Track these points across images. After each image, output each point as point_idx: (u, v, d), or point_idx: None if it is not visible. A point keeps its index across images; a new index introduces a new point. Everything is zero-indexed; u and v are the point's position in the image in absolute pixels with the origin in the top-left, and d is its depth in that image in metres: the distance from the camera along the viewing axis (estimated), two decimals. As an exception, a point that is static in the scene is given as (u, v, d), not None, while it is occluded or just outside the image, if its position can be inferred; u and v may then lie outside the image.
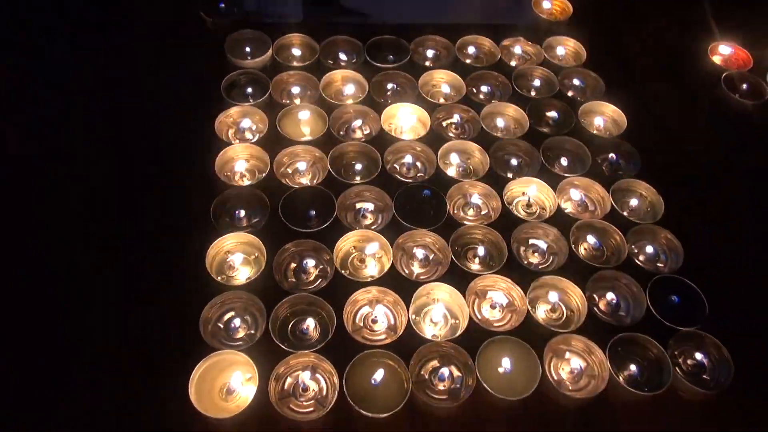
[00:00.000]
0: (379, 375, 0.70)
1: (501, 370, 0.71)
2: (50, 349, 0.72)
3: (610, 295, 0.79)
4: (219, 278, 0.76)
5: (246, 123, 0.92)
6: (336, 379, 0.69)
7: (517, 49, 1.07)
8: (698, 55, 1.11)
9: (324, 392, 0.70)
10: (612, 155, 0.94)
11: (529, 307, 0.76)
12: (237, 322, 0.74)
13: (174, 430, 0.67)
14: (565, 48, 1.08)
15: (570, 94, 1.01)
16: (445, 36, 1.07)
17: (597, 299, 0.80)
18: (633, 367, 0.73)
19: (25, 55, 1.01)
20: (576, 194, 0.89)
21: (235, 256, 0.79)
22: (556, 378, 0.73)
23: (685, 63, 1.11)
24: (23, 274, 0.77)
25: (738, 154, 0.99)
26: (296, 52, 1.02)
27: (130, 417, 0.68)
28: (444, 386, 0.71)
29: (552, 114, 0.98)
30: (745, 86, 1.05)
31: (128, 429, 0.67)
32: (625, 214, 0.87)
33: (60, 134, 0.92)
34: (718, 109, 1.04)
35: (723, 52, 1.10)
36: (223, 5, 1.08)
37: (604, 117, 0.99)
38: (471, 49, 1.06)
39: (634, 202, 0.89)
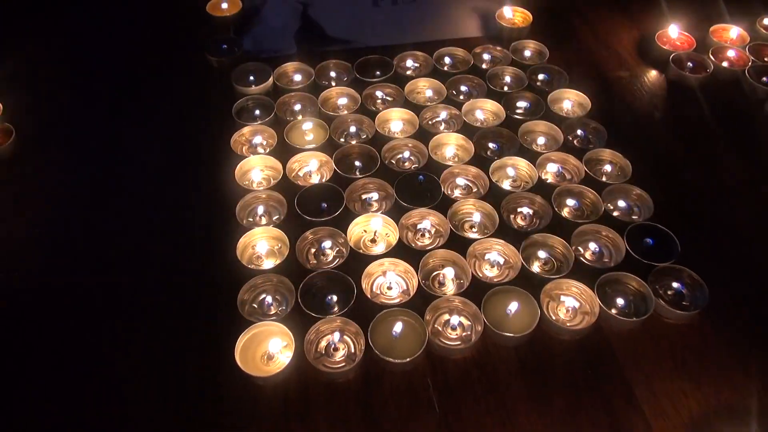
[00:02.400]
0: (398, 327, 0.79)
1: (507, 311, 0.81)
2: (116, 324, 0.82)
3: (593, 245, 0.90)
4: (250, 267, 0.87)
5: (257, 139, 1.05)
6: (361, 338, 0.79)
7: (487, 55, 1.21)
8: (648, 42, 1.25)
9: (352, 349, 0.80)
10: (581, 131, 1.06)
11: (523, 262, 0.86)
12: (269, 299, 0.84)
13: (228, 393, 0.76)
14: (529, 49, 1.22)
15: (538, 85, 1.15)
16: (423, 51, 1.21)
17: (582, 251, 0.90)
18: (620, 301, 0.83)
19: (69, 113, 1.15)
20: (553, 167, 1.00)
21: (261, 247, 0.90)
22: (554, 318, 0.83)
23: (638, 50, 1.25)
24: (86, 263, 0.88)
25: (689, 118, 1.12)
26: (294, 77, 1.16)
27: (188, 386, 0.77)
28: (456, 334, 0.81)
29: (524, 104, 1.10)
30: (690, 64, 1.18)
31: (188, 396, 0.76)
32: (598, 178, 0.98)
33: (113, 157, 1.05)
34: (670, 85, 1.17)
35: (670, 35, 1.24)
36: (225, 46, 1.22)
37: (571, 101, 1.12)
38: (447, 59, 1.20)
39: (605, 167, 1.00)
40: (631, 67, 1.22)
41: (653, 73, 1.20)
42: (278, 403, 0.75)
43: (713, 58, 1.19)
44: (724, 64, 1.19)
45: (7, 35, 1.29)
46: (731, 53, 1.20)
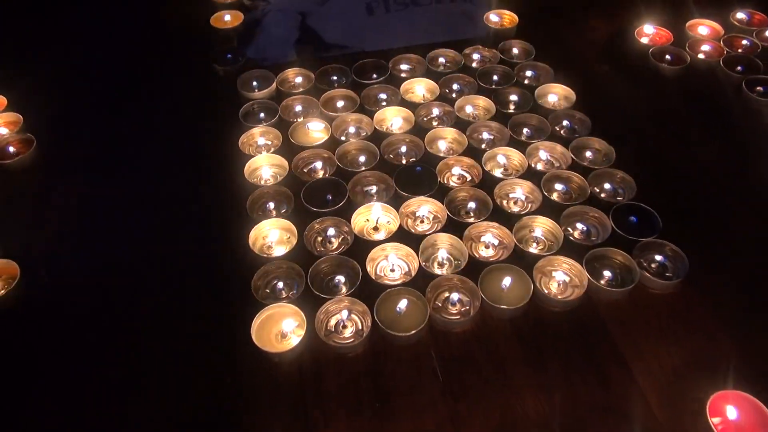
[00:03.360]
0: (402, 304, 0.85)
1: (502, 285, 0.87)
2: (143, 313, 0.89)
3: (581, 225, 0.96)
4: (262, 255, 0.93)
5: (262, 140, 1.12)
6: (368, 316, 0.85)
7: (477, 55, 1.28)
8: (628, 38, 1.32)
9: (360, 326, 0.86)
10: (566, 122, 1.13)
11: (516, 242, 0.93)
12: (281, 284, 0.90)
13: (246, 368, 0.82)
14: (517, 49, 1.30)
15: (526, 82, 1.22)
16: (416, 54, 1.28)
17: (571, 231, 0.96)
18: (607, 274, 0.90)
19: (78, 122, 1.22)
20: (543, 154, 1.07)
21: (271, 237, 0.96)
22: (546, 291, 0.89)
23: (618, 45, 1.33)
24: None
25: (668, 106, 1.19)
26: (295, 81, 1.23)
27: (210, 366, 0.83)
28: (456, 309, 0.87)
29: (513, 98, 1.17)
30: (668, 57, 1.25)
31: (211, 374, 0.82)
32: (584, 163, 1.05)
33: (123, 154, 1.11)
34: (648, 77, 1.25)
35: (648, 31, 1.32)
36: (230, 56, 1.30)
37: (557, 95, 1.19)
38: (440, 59, 1.27)
39: (589, 154, 1.07)
40: (613, 60, 1.29)
41: (634, 66, 1.27)
42: (294, 377, 0.81)
43: (690, 51, 1.26)
44: (701, 56, 1.26)
45: (24, 47, 1.37)
46: (706, 47, 1.27)
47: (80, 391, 0.81)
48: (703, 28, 1.33)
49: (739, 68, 1.22)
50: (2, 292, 0.90)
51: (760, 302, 0.88)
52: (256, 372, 0.82)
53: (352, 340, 0.84)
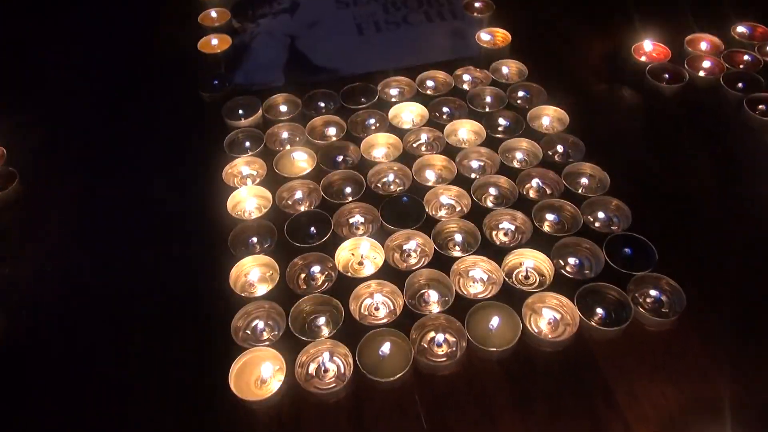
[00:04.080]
0: (386, 347, 0.82)
1: (489, 326, 0.83)
2: (117, 361, 0.86)
3: (573, 259, 0.93)
4: (242, 294, 0.91)
5: (246, 170, 1.09)
6: (350, 359, 0.82)
7: (467, 77, 1.25)
8: (624, 56, 1.28)
9: (342, 370, 0.83)
10: (560, 146, 1.10)
11: (505, 277, 0.89)
12: (261, 325, 0.87)
13: (224, 418, 0.79)
14: (509, 68, 1.26)
15: (518, 103, 1.18)
16: (406, 76, 1.25)
17: (563, 263, 0.93)
18: (600, 311, 0.86)
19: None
20: (534, 182, 1.04)
21: (253, 275, 0.93)
22: (536, 330, 0.85)
23: (614, 64, 1.29)
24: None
25: (666, 128, 1.15)
26: (282, 108, 1.20)
27: (185, 414, 0.80)
28: (442, 351, 0.84)
29: (504, 122, 1.14)
30: (667, 75, 1.21)
31: (186, 423, 0.80)
32: (577, 191, 1.01)
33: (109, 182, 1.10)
34: (646, 96, 1.21)
35: (646, 49, 1.28)
36: (216, 82, 1.28)
37: (550, 117, 1.15)
38: (429, 83, 1.24)
39: (584, 180, 1.03)
40: (608, 80, 1.25)
41: (630, 86, 1.23)
42: (273, 426, 0.78)
43: (689, 68, 1.22)
44: (701, 73, 1.22)
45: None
46: (706, 63, 1.23)
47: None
48: (704, 43, 1.28)
49: (740, 85, 1.17)
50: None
51: (757, 340, 0.84)
52: (234, 421, 0.79)
53: (333, 385, 0.81)
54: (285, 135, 1.16)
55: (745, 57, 1.24)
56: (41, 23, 1.46)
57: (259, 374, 0.82)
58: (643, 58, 1.26)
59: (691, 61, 1.24)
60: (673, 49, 1.27)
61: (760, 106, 1.13)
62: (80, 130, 1.24)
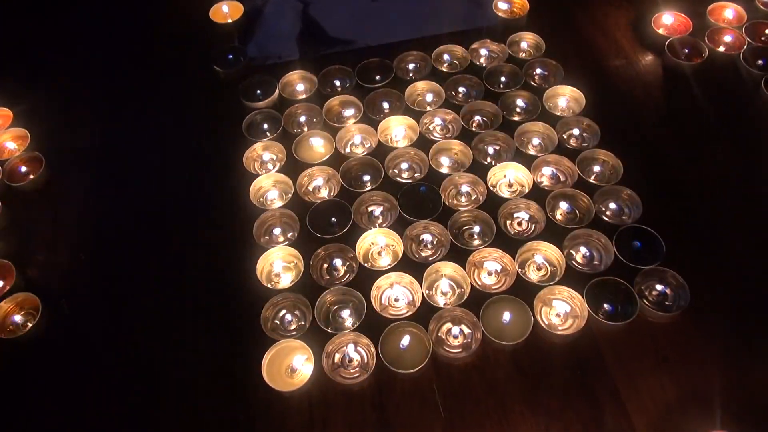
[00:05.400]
0: (405, 340, 0.89)
1: (502, 321, 0.89)
2: (152, 360, 0.93)
3: (584, 249, 0.97)
4: (269, 285, 0.96)
5: (267, 156, 1.11)
6: (373, 349, 0.88)
7: (484, 51, 1.24)
8: (644, 27, 1.26)
9: (365, 360, 0.89)
10: (576, 130, 1.10)
11: (519, 270, 0.94)
12: (289, 317, 0.93)
13: (258, 406, 0.87)
14: (527, 42, 1.25)
15: (536, 80, 1.18)
16: (422, 49, 1.24)
17: (574, 254, 0.97)
18: (608, 304, 0.91)
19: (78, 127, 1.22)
20: (548, 170, 1.06)
21: (277, 265, 0.98)
22: (547, 323, 0.91)
23: (634, 37, 1.27)
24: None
25: (682, 110, 1.14)
26: (299, 87, 1.20)
27: (223, 402, 0.88)
28: (458, 342, 0.90)
29: (521, 103, 1.14)
30: (686, 50, 1.19)
31: (224, 411, 0.88)
32: (591, 179, 1.04)
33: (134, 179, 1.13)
34: (664, 73, 1.20)
35: (666, 21, 1.25)
36: (231, 56, 1.27)
37: (567, 98, 1.15)
38: (445, 57, 1.23)
39: (597, 168, 1.05)
40: (627, 54, 1.24)
41: (648, 61, 1.22)
42: (303, 412, 0.86)
43: (709, 42, 1.20)
44: (721, 48, 1.20)
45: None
46: (728, 37, 1.20)
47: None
48: (727, 11, 1.25)
49: (760, 62, 1.16)
50: (29, 324, 0.94)
51: (755, 339, 0.89)
52: (267, 408, 0.86)
53: (357, 374, 0.88)
54: (303, 119, 1.17)
55: (767, 30, 1.21)
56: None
57: (290, 364, 0.89)
58: (661, 31, 1.23)
59: (711, 34, 1.21)
60: (695, 21, 1.24)
61: (779, 87, 1.12)
62: (100, 111, 1.25)
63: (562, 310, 0.91)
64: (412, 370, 0.86)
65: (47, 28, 1.40)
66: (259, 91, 1.20)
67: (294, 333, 0.92)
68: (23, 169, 1.12)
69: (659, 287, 0.92)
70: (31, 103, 1.23)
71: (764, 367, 0.85)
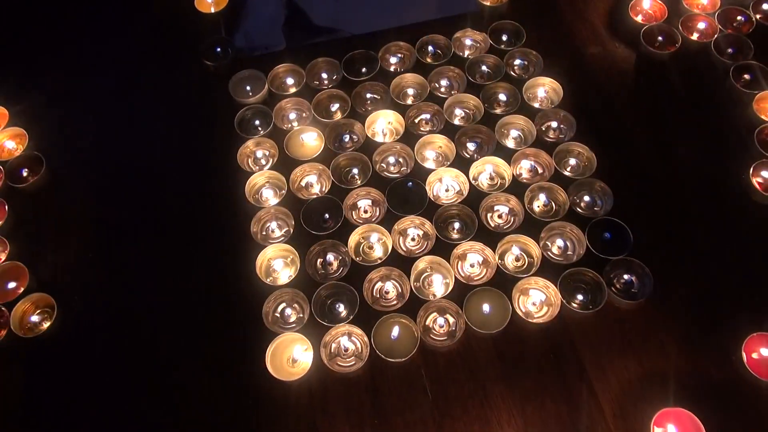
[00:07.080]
0: (395, 332, 0.97)
1: (483, 311, 0.98)
2: (161, 357, 1.01)
3: (560, 241, 1.05)
4: (268, 280, 1.03)
5: (260, 152, 1.16)
6: (366, 339, 0.97)
7: (468, 41, 1.27)
8: (621, 13, 1.29)
9: (360, 349, 0.98)
10: (554, 122, 1.16)
11: (498, 262, 1.02)
12: (288, 311, 1.01)
13: (262, 396, 0.96)
14: (507, 31, 1.28)
15: (516, 71, 1.23)
16: (406, 38, 1.27)
17: (550, 246, 1.05)
18: (580, 292, 1.00)
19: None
20: (527, 163, 1.12)
21: (275, 261, 1.05)
22: (524, 311, 0.99)
23: (611, 22, 1.30)
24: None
25: (656, 100, 1.20)
26: (288, 80, 1.24)
27: (230, 392, 0.97)
28: (443, 330, 0.99)
29: (502, 96, 1.19)
30: (660, 38, 1.23)
31: (230, 401, 0.97)
32: (566, 172, 1.10)
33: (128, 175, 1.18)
34: (639, 62, 1.24)
35: (643, 6, 1.28)
36: (219, 49, 1.29)
37: (546, 88, 1.20)
38: (430, 48, 1.27)
39: (572, 161, 1.12)
40: (603, 42, 1.28)
41: (623, 50, 1.26)
42: (304, 398, 0.95)
43: (683, 30, 1.24)
44: (694, 36, 1.24)
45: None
46: (701, 24, 1.24)
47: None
48: (702, -3, 1.29)
49: (730, 51, 1.21)
50: (46, 324, 1.01)
51: (711, 322, 0.98)
52: (271, 397, 0.95)
53: (353, 362, 0.97)
54: (293, 115, 1.21)
55: (739, 17, 1.25)
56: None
57: (291, 354, 0.97)
58: (639, 18, 1.27)
59: (686, 21, 1.25)
60: (670, 6, 1.27)
61: (745, 76, 1.17)
62: (95, 108, 1.28)
63: (537, 299, 1.00)
64: (402, 359, 0.95)
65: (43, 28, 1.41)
66: (248, 87, 1.23)
67: (294, 326, 1.00)
68: (24, 172, 1.16)
69: (626, 276, 1.01)
70: (29, 102, 1.25)
71: (717, 351, 0.95)
